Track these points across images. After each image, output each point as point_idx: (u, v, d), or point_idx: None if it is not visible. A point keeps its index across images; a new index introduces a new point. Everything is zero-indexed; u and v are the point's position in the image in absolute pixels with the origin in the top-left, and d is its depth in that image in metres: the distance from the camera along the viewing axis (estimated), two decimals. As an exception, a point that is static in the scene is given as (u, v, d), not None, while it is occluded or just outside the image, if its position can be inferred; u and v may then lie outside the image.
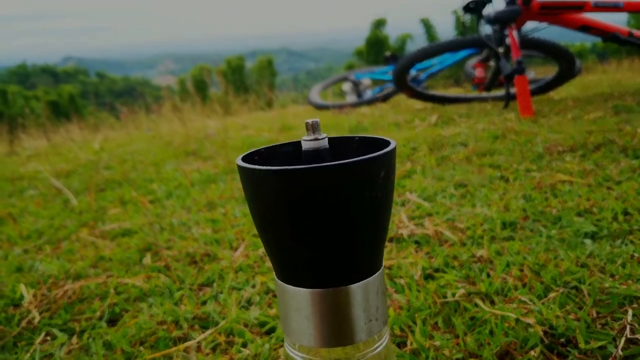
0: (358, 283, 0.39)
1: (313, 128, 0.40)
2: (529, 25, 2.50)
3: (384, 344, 0.42)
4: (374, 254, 0.39)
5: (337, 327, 0.39)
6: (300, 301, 0.39)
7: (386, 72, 3.75)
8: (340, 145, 0.44)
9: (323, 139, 0.40)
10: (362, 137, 0.44)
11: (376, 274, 0.40)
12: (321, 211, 0.36)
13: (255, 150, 0.43)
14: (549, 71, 3.28)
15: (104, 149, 2.78)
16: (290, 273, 0.39)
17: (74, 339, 0.76)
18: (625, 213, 0.98)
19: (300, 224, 0.36)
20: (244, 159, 0.41)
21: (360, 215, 0.37)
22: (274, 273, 0.40)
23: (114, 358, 0.69)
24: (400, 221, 1.07)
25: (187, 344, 0.70)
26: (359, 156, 0.37)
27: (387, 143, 0.40)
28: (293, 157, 0.44)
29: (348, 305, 0.38)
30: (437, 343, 0.62)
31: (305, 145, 0.40)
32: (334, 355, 0.41)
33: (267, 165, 0.41)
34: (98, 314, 0.83)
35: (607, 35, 2.39)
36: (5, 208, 1.59)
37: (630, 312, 0.62)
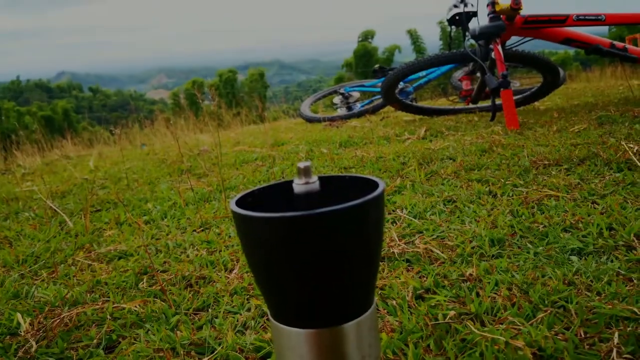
0: (351, 322, 0.40)
1: (305, 172, 0.42)
2: (513, 39, 2.55)
3: (376, 377, 0.44)
4: (366, 292, 0.41)
5: (331, 365, 0.41)
6: (293, 341, 0.40)
7: (376, 84, 3.79)
8: (330, 185, 0.46)
9: (314, 182, 0.42)
10: (351, 177, 0.46)
11: (368, 311, 0.42)
12: (314, 254, 0.38)
13: (249, 192, 0.45)
14: (534, 80, 3.33)
15: (98, 168, 2.78)
16: (283, 313, 0.40)
17: (73, 368, 0.77)
18: (610, 228, 1.01)
19: (294, 268, 0.38)
20: (239, 202, 0.43)
21: (352, 256, 0.39)
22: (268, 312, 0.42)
23: (113, 387, 0.70)
24: (391, 239, 1.09)
25: (185, 371, 0.71)
26: (349, 196, 0.39)
27: (376, 185, 0.42)
28: (285, 198, 0.46)
29: (342, 344, 0.40)
30: (429, 366, 0.64)
31: (297, 189, 0.42)
32: (328, 390, 0.42)
33: (260, 207, 0.43)
34: (95, 341, 0.84)
35: (590, 47, 2.44)
36: (1, 231, 1.59)
37: (616, 334, 0.64)
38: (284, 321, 0.41)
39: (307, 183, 0.42)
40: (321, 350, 0.40)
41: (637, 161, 1.38)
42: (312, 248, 0.37)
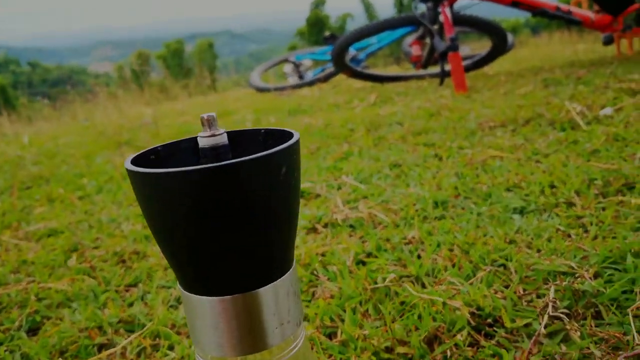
0: (266, 287, 0.36)
1: (209, 123, 0.37)
2: (463, 3, 2.53)
3: (299, 345, 0.40)
4: (281, 255, 0.37)
5: (246, 335, 0.37)
6: (204, 310, 0.36)
7: (326, 52, 3.72)
8: (244, 140, 0.42)
9: (221, 134, 0.38)
10: (267, 130, 0.42)
11: (286, 274, 0.38)
12: (220, 213, 0.33)
13: (152, 149, 0.40)
14: (486, 46, 3.34)
15: (33, 143, 2.63)
16: (191, 282, 0.36)
17: (-11, 354, 0.71)
18: (552, 186, 1.00)
19: (198, 229, 0.34)
20: (136, 161, 0.37)
21: (261, 215, 0.35)
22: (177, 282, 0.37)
23: (30, 372, 0.65)
24: (335, 206, 1.06)
25: (110, 350, 0.67)
26: (263, 151, 0.35)
27: (291, 135, 0.38)
28: (193, 154, 0.41)
29: (256, 310, 0.36)
30: (367, 332, 0.61)
31: (202, 142, 0.37)
32: (247, 362, 0.39)
33: (164, 166, 0.38)
34: (17, 324, 0.78)
35: (536, 10, 2.45)
36: None
37: (552, 288, 0.63)
38: (192, 290, 0.36)
39: (212, 135, 0.37)
40: (235, 318, 0.36)
41: (579, 120, 1.39)
42: (216, 206, 0.33)
